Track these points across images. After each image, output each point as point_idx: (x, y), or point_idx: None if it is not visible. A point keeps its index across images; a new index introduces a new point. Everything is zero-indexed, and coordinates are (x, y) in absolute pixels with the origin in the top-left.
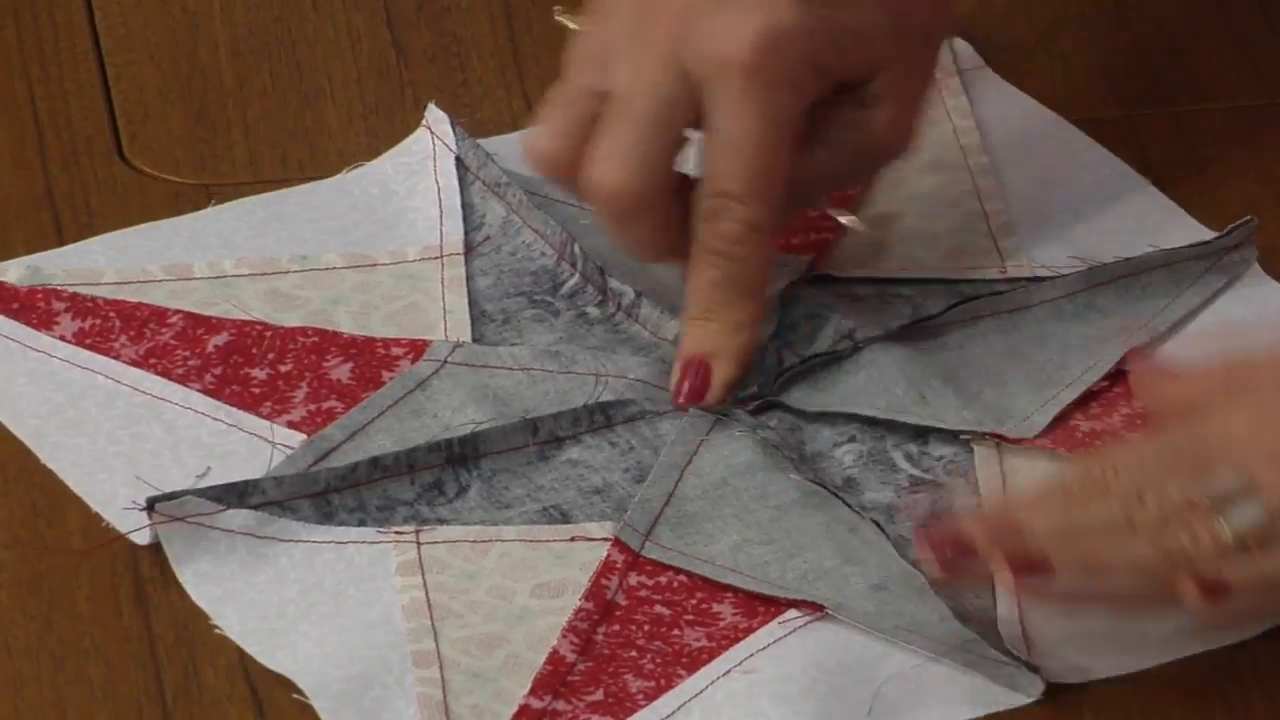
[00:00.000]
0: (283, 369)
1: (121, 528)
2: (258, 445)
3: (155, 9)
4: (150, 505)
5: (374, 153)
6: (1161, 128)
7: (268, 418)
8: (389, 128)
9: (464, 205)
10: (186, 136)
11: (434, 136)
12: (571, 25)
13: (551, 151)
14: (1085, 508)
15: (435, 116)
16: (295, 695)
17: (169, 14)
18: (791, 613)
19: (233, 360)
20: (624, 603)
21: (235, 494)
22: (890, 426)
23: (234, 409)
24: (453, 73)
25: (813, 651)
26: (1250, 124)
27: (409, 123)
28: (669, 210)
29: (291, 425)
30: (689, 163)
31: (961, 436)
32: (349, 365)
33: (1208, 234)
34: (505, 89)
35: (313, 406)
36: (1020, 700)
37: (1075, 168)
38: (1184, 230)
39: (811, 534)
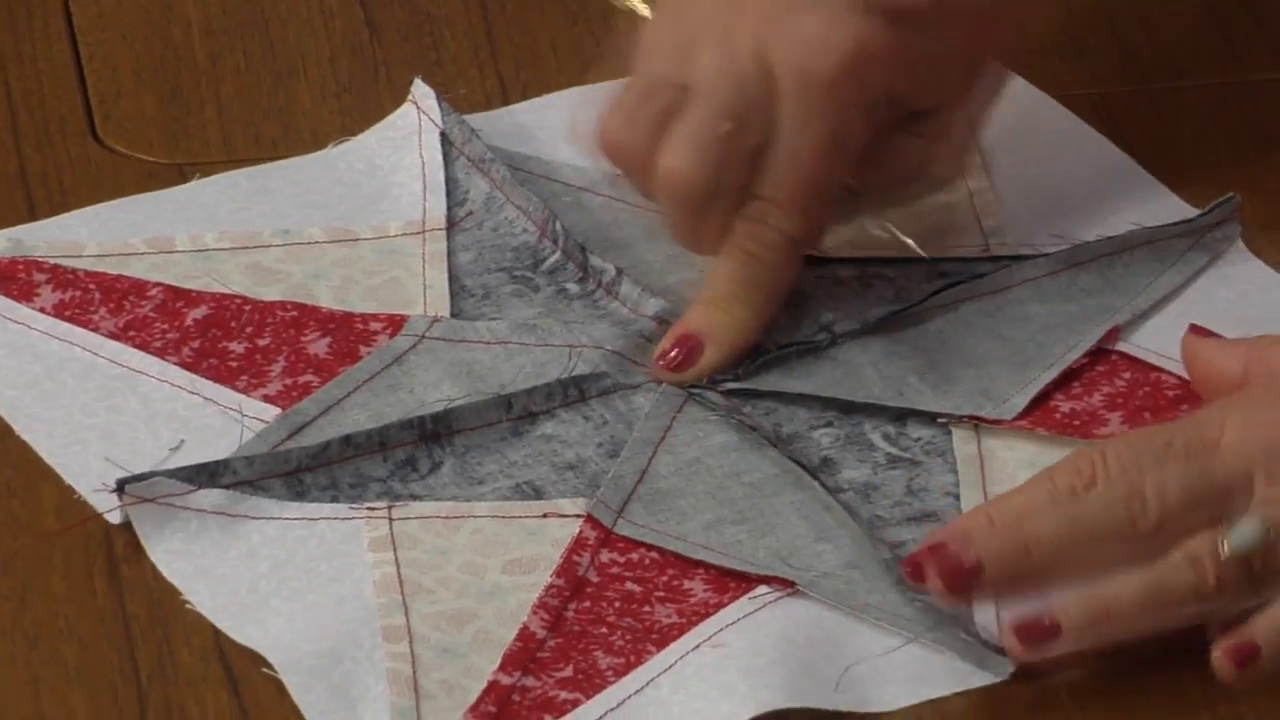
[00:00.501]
0: (261, 343)
1: (95, 504)
2: (232, 419)
3: None
4: (121, 487)
5: (347, 131)
6: (1137, 105)
7: (244, 391)
8: (362, 106)
9: (448, 181)
10: (160, 116)
11: (420, 111)
12: (641, 10)
13: (626, 141)
14: (1084, 506)
15: (422, 92)
16: (269, 672)
17: None
18: (762, 588)
19: (211, 334)
20: (595, 579)
21: (206, 474)
22: (868, 411)
23: (209, 382)
24: (426, 51)
25: (783, 626)
26: (1226, 101)
27: (383, 102)
28: (736, 207)
29: (267, 399)
30: None
31: (939, 420)
32: (327, 340)
33: (1191, 212)
34: (479, 68)
35: (289, 381)
36: (989, 679)
37: (1059, 145)
38: (1168, 208)
39: (784, 512)
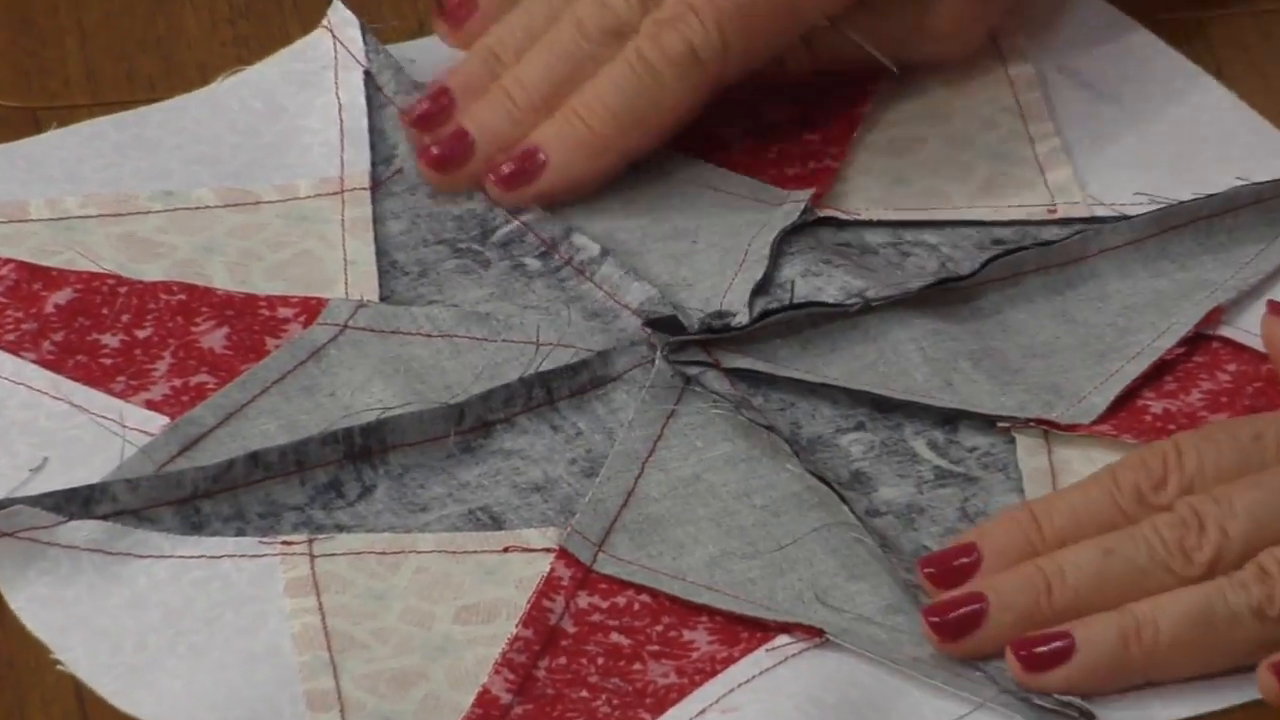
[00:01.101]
0: (140, 335)
1: None
2: (108, 431)
3: None
4: None
5: (243, 65)
6: (1242, 29)
7: (121, 396)
8: (263, 35)
9: (372, 130)
10: (7, 48)
11: (337, 42)
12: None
13: None
14: (1130, 540)
15: (341, 17)
16: None
17: None
18: (782, 638)
19: (78, 324)
20: (572, 630)
21: (78, 501)
22: (909, 410)
23: (79, 385)
24: None
25: (808, 686)
26: None
27: (289, 30)
28: None
29: (151, 406)
30: None
31: (1000, 425)
32: (224, 330)
33: None
34: None
35: (178, 382)
36: None
37: (1142, 79)
38: (1278, 156)
39: (807, 543)
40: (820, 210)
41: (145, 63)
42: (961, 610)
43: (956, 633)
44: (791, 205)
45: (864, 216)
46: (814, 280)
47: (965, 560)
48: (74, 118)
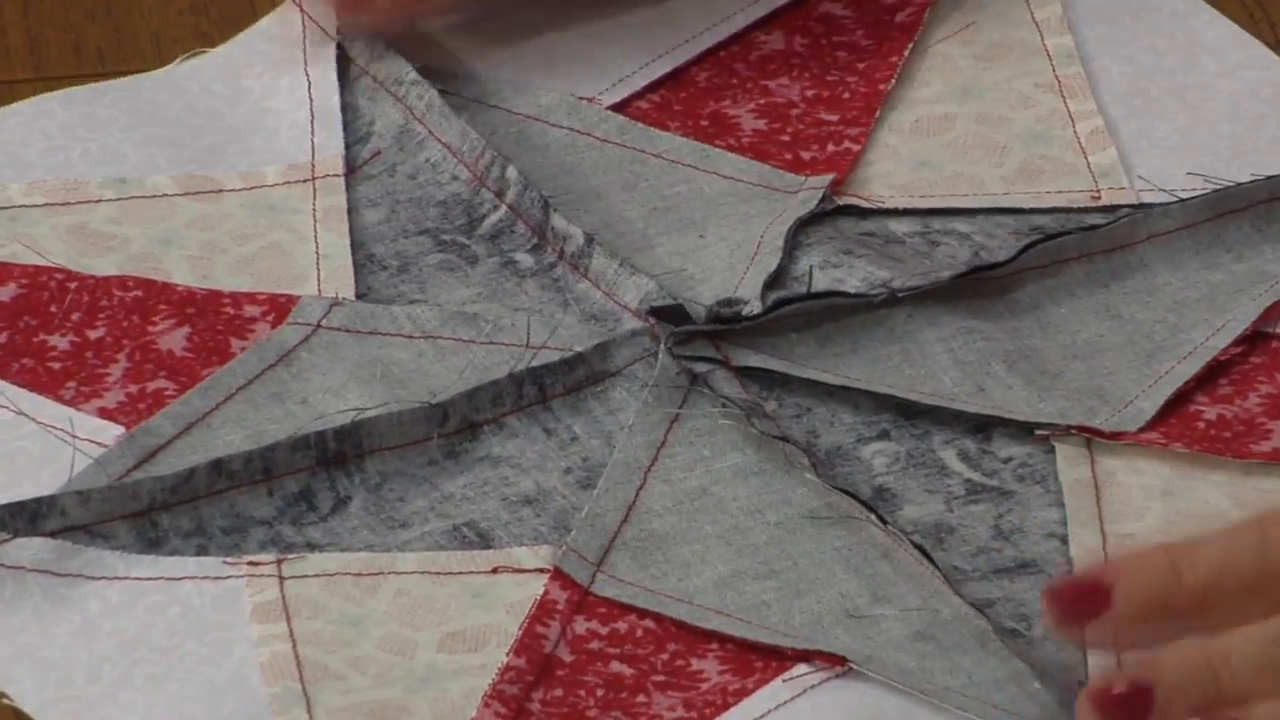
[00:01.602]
0: (92, 335)
1: None
2: (57, 441)
3: None
4: None
5: (204, 39)
6: None
7: (71, 403)
8: (221, 3)
9: (345, 108)
10: None
11: (305, 16)
12: None
13: None
14: None
15: None
16: None
17: None
18: (801, 667)
19: (23, 323)
20: (568, 658)
21: (25, 516)
22: (937, 416)
23: (24, 391)
24: None
25: (832, 717)
26: None
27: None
28: None
29: (104, 414)
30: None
31: (1037, 433)
32: (184, 330)
33: None
34: None
35: (134, 388)
36: None
37: (1194, 50)
38: None
39: (827, 562)
40: (840, 198)
41: (93, 33)
42: (1128, 698)
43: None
44: (808, 193)
45: (888, 204)
46: (834, 271)
47: (1094, 598)
48: (15, 95)
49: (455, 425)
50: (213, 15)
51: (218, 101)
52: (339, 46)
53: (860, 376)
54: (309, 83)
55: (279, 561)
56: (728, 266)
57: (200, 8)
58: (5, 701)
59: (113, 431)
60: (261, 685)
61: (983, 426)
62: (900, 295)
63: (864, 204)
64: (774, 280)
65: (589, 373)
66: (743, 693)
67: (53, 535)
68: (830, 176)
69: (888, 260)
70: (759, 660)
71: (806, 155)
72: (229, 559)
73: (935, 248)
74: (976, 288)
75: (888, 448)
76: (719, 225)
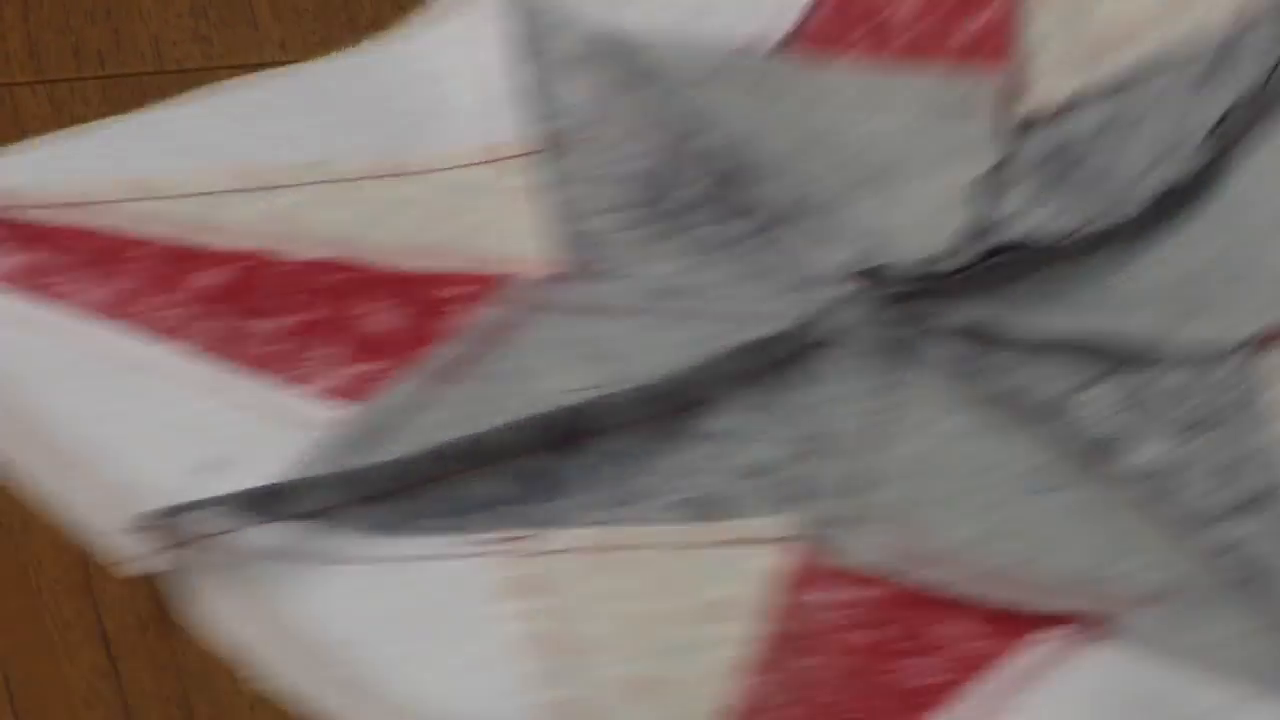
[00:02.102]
0: (299, 320)
1: (113, 552)
2: (272, 426)
3: None
4: (149, 524)
5: (203, 42)
6: None
7: (284, 387)
8: (221, 4)
9: (538, 86)
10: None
11: None
12: None
13: None
14: None
15: None
16: None
17: None
18: (1051, 630)
19: (230, 308)
20: (814, 627)
21: (262, 503)
22: (1149, 352)
23: (234, 374)
24: None
25: (1093, 682)
26: None
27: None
28: None
29: (318, 396)
30: None
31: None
32: (391, 312)
33: None
34: None
35: (346, 371)
36: None
37: None
38: None
39: (1069, 517)
40: (1017, 110)
41: (93, 36)
42: None
43: None
44: (980, 121)
45: (1063, 100)
46: (1031, 216)
47: None
48: (14, 97)
49: (677, 404)
50: (211, 18)
51: (405, 83)
52: (528, 22)
53: (1068, 325)
54: (497, 63)
55: (521, 539)
56: (925, 220)
57: (200, 10)
58: (255, 684)
59: (327, 414)
60: (514, 663)
61: (1200, 356)
62: (1101, 234)
63: (1042, 114)
64: (974, 227)
65: (802, 342)
66: (998, 655)
67: (287, 521)
68: (992, 76)
69: (1082, 191)
70: (1012, 622)
71: (954, 37)
72: (472, 535)
73: (1134, 130)
74: (1180, 203)
75: (1104, 392)
76: (908, 176)
